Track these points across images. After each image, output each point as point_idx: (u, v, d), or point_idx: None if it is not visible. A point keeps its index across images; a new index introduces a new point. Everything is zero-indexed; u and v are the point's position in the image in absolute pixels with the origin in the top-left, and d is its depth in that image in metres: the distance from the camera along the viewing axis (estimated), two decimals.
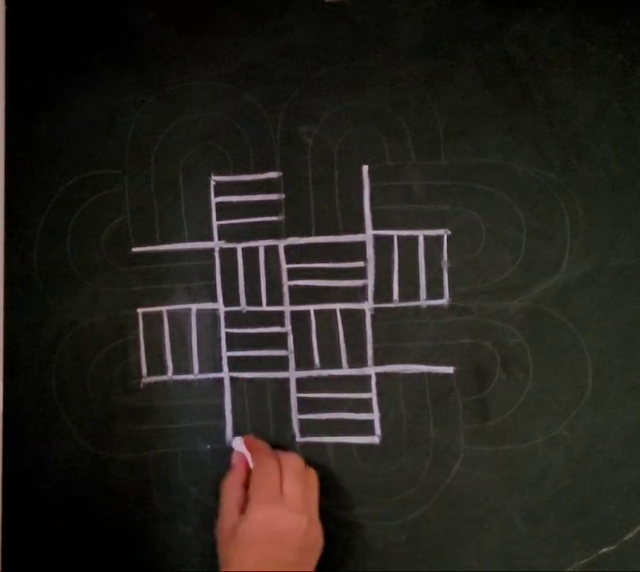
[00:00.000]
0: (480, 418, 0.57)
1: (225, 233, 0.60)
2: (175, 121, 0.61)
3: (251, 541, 0.51)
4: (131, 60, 0.62)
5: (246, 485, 0.54)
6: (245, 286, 0.60)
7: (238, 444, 0.57)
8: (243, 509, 0.52)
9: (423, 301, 0.59)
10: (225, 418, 0.59)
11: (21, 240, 0.61)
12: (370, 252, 0.59)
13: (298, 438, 0.59)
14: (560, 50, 0.59)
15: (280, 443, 0.59)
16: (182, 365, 0.60)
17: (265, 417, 0.59)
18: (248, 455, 0.56)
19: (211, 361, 0.60)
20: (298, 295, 0.60)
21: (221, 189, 0.60)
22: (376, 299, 0.59)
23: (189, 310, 0.60)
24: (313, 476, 0.56)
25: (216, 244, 0.60)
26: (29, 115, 0.62)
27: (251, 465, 0.55)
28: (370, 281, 0.59)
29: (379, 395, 0.58)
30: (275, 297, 0.60)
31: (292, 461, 0.55)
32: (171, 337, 0.60)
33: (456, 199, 0.59)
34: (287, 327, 0.59)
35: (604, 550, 0.56)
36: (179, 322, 0.60)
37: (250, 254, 0.60)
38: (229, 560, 0.51)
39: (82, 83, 0.62)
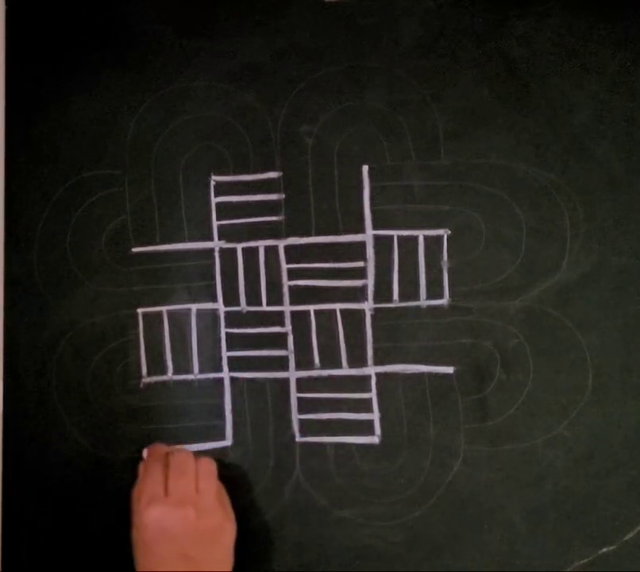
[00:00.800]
0: (480, 418, 0.57)
1: (225, 233, 0.60)
2: (175, 121, 0.61)
3: (144, 544, 0.51)
4: (131, 60, 0.62)
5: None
6: (245, 286, 0.60)
7: (145, 453, 0.58)
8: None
9: (423, 301, 0.59)
10: (225, 418, 0.59)
11: (21, 240, 0.61)
12: (370, 252, 0.59)
13: (298, 438, 0.59)
14: (560, 50, 0.59)
15: (280, 443, 0.59)
16: (182, 365, 0.60)
17: (265, 417, 0.59)
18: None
19: (211, 361, 0.60)
20: (298, 295, 0.60)
21: (221, 189, 0.60)
22: (376, 299, 0.59)
23: (189, 310, 0.60)
24: (203, 463, 0.55)
25: (216, 244, 0.60)
26: (29, 115, 0.62)
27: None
28: (370, 281, 0.59)
29: (379, 395, 0.58)
30: (275, 297, 0.60)
31: (177, 457, 0.55)
32: (171, 337, 0.60)
33: (456, 199, 0.59)
34: (287, 327, 0.59)
35: (604, 550, 0.56)
36: (179, 322, 0.60)
37: (250, 254, 0.60)
38: (137, 564, 0.52)
39: (82, 83, 0.62)
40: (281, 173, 0.60)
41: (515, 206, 0.58)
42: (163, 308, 0.60)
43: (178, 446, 0.58)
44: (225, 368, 0.60)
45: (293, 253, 0.60)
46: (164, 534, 0.51)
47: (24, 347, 0.61)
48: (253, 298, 0.60)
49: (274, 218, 0.60)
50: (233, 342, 0.60)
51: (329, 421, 0.59)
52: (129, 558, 0.59)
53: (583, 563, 0.56)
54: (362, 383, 0.59)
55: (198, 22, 0.61)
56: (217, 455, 0.59)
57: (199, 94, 0.61)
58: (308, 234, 0.60)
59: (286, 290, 0.60)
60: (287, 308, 0.60)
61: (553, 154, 0.58)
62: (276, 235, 0.60)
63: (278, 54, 0.60)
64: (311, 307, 0.59)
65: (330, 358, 0.59)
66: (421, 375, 0.58)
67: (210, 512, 0.53)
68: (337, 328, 0.59)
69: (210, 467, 0.55)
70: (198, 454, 0.57)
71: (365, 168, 0.60)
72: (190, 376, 0.60)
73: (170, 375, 0.60)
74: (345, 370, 0.59)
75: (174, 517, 0.51)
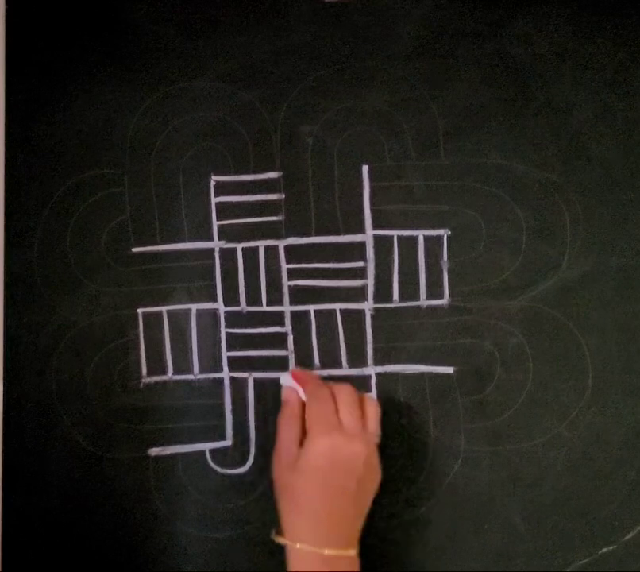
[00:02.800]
0: (480, 418, 0.57)
1: (225, 233, 0.60)
2: (175, 121, 0.61)
3: (313, 469, 0.51)
4: (131, 60, 0.62)
5: (302, 418, 0.54)
6: (245, 286, 0.60)
7: (286, 379, 0.57)
8: (301, 442, 0.53)
9: (423, 301, 0.59)
10: (226, 418, 0.59)
11: (21, 240, 0.61)
12: (370, 252, 0.59)
13: None
14: (560, 50, 0.59)
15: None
16: (182, 365, 0.60)
17: (265, 417, 0.59)
18: (299, 388, 0.55)
19: (211, 361, 0.60)
20: (298, 295, 0.60)
21: (222, 189, 0.60)
22: (376, 299, 0.59)
23: (189, 310, 0.60)
24: (371, 404, 0.55)
25: (216, 244, 0.60)
26: (29, 115, 0.62)
27: (303, 398, 0.55)
28: (370, 281, 0.59)
29: (379, 395, 0.58)
30: (275, 297, 0.60)
31: (345, 390, 0.54)
32: (171, 337, 0.60)
33: (456, 199, 0.59)
34: (287, 327, 0.59)
35: (604, 550, 0.56)
36: (179, 322, 0.60)
37: (250, 254, 0.60)
38: (291, 487, 0.52)
39: (82, 82, 0.62)
40: (281, 173, 0.60)
41: (515, 206, 0.58)
42: (164, 308, 0.60)
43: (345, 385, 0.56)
44: (225, 368, 0.60)
45: (293, 253, 0.60)
46: (338, 463, 0.51)
47: (24, 347, 0.61)
48: (253, 298, 0.60)
49: (274, 218, 0.60)
50: (233, 342, 0.60)
51: None
52: (129, 558, 0.59)
53: (583, 563, 0.56)
54: (362, 383, 0.59)
55: (198, 22, 0.61)
56: (219, 455, 0.59)
57: (199, 94, 0.61)
58: (308, 234, 0.60)
59: (286, 290, 0.60)
60: (287, 308, 0.60)
61: (553, 154, 0.58)
62: (276, 235, 0.60)
63: (278, 54, 0.61)
64: (311, 307, 0.59)
65: (330, 358, 0.59)
66: (421, 375, 0.58)
67: (374, 453, 0.53)
68: (337, 328, 0.59)
69: (377, 412, 0.54)
70: None
71: (365, 168, 0.60)
72: (190, 376, 0.60)
73: (170, 375, 0.60)
74: (345, 370, 0.59)
75: (351, 450, 0.51)
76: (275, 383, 0.59)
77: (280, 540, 0.52)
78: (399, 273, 0.59)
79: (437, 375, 0.58)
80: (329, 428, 0.52)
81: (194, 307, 0.60)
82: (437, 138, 0.59)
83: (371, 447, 0.53)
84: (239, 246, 0.60)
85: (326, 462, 0.51)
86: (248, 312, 0.60)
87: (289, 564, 0.51)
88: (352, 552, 0.51)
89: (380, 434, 0.55)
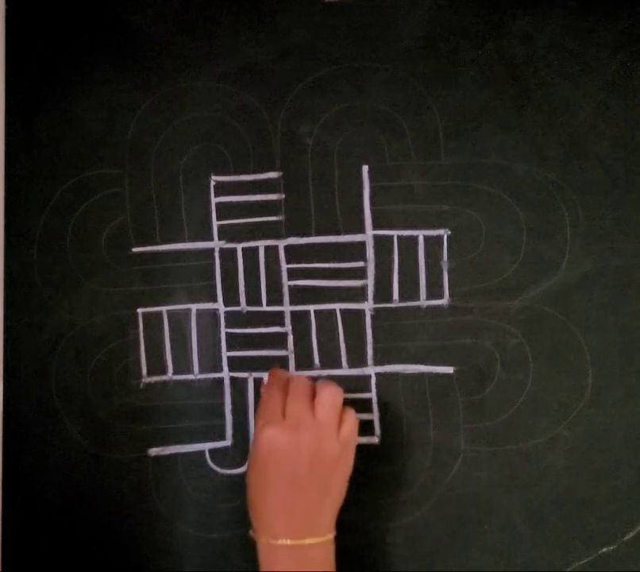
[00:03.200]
0: (480, 418, 0.57)
1: (225, 233, 0.60)
2: (175, 121, 0.61)
3: (259, 462, 0.51)
4: (131, 60, 0.62)
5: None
6: (245, 286, 0.60)
7: (265, 378, 0.58)
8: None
9: (423, 301, 0.59)
10: (226, 418, 0.59)
11: (21, 240, 0.61)
12: (370, 252, 0.59)
13: None
14: (560, 50, 0.59)
15: None
16: (182, 365, 0.60)
17: None
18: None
19: (211, 361, 0.60)
20: (298, 295, 0.60)
21: (221, 189, 0.60)
22: (376, 299, 0.59)
23: (189, 310, 0.60)
24: (323, 391, 0.53)
25: (216, 244, 0.60)
26: (29, 115, 0.62)
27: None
28: (370, 281, 0.59)
29: (379, 395, 0.58)
30: (275, 297, 0.60)
31: (296, 380, 0.54)
32: (171, 337, 0.60)
33: (456, 199, 0.59)
34: (287, 327, 0.59)
35: (604, 550, 0.56)
36: (179, 322, 0.60)
37: (250, 254, 0.60)
38: (247, 483, 0.52)
39: (82, 82, 0.62)
40: (281, 173, 0.60)
41: (515, 206, 0.58)
42: (164, 308, 0.60)
43: (299, 374, 0.57)
44: (225, 368, 0.60)
45: (293, 253, 0.60)
46: (275, 456, 0.51)
47: (24, 347, 0.61)
48: (253, 298, 0.60)
49: (274, 218, 0.60)
50: (233, 342, 0.60)
51: None
52: (129, 558, 0.59)
53: (583, 563, 0.56)
54: (362, 383, 0.59)
55: (198, 22, 0.61)
56: (219, 455, 0.59)
57: (199, 94, 0.61)
58: (308, 234, 0.60)
59: (286, 290, 0.60)
60: (287, 308, 0.60)
61: (553, 154, 0.58)
62: (276, 235, 0.60)
63: (278, 54, 0.60)
64: (311, 307, 0.59)
65: (330, 358, 0.59)
66: (421, 375, 0.58)
67: (326, 441, 0.52)
68: (337, 328, 0.59)
69: (330, 397, 0.53)
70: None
71: (365, 168, 0.60)
72: (190, 376, 0.60)
73: (170, 375, 0.60)
74: (345, 370, 0.59)
75: (287, 440, 0.51)
76: None
77: (252, 535, 0.52)
78: (398, 273, 0.59)
79: (437, 375, 0.58)
80: (269, 419, 0.52)
81: (194, 307, 0.60)
82: (437, 138, 0.59)
83: (322, 433, 0.51)
84: (239, 246, 0.60)
85: (269, 454, 0.51)
86: (248, 312, 0.60)
87: (259, 561, 0.51)
88: (318, 539, 0.51)
89: (351, 426, 0.53)
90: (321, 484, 0.51)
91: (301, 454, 0.51)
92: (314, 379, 0.57)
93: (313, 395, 0.53)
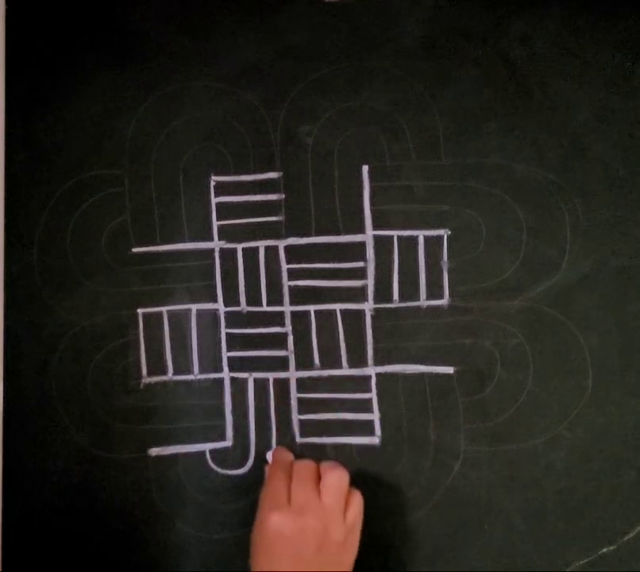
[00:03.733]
0: (480, 418, 0.57)
1: (225, 234, 0.60)
2: (175, 122, 0.61)
3: (264, 547, 0.51)
4: (130, 60, 0.62)
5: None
6: (245, 286, 0.60)
7: (269, 457, 0.58)
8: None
9: (423, 301, 0.59)
10: (226, 418, 0.59)
11: (21, 240, 0.61)
12: (370, 252, 0.59)
13: (298, 439, 0.59)
14: (560, 50, 0.59)
15: (281, 444, 0.59)
16: (182, 366, 0.60)
17: (265, 418, 0.59)
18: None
19: (211, 362, 0.60)
20: (299, 295, 0.60)
21: (222, 189, 0.60)
22: (376, 300, 0.59)
23: (189, 310, 0.60)
24: (329, 475, 0.53)
25: (216, 244, 0.60)
26: (29, 115, 0.62)
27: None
28: (370, 281, 0.59)
29: (379, 395, 0.58)
30: (275, 297, 0.60)
31: (301, 465, 0.55)
32: (171, 337, 0.60)
33: (456, 199, 0.59)
34: (287, 327, 0.59)
35: (604, 550, 0.56)
36: (179, 322, 0.60)
37: (250, 254, 0.60)
38: (254, 563, 0.52)
39: (82, 83, 0.62)
40: (281, 173, 0.60)
41: (515, 206, 0.58)
42: (164, 308, 0.60)
43: (305, 460, 0.56)
44: (226, 368, 0.60)
45: (293, 254, 0.60)
46: (282, 541, 0.50)
47: (24, 347, 0.61)
48: (253, 298, 0.60)
49: (274, 219, 0.60)
50: (233, 342, 0.60)
51: (330, 422, 0.59)
52: (129, 558, 0.59)
53: (583, 563, 0.56)
54: (362, 383, 0.59)
55: (198, 22, 0.61)
56: (219, 455, 0.59)
57: (199, 94, 0.61)
58: (308, 234, 0.60)
59: (286, 290, 0.60)
60: (287, 308, 0.60)
61: (553, 154, 0.58)
62: (276, 235, 0.60)
63: (278, 54, 0.60)
64: (311, 308, 0.59)
65: (330, 358, 0.59)
66: (421, 375, 0.58)
67: (332, 526, 0.51)
68: (337, 328, 0.59)
69: (336, 480, 0.53)
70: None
71: (365, 168, 0.60)
72: (190, 377, 0.60)
73: (170, 375, 0.60)
74: (345, 370, 0.59)
75: (293, 525, 0.51)
76: (276, 382, 0.59)
77: None
78: (399, 273, 0.59)
79: (437, 375, 0.58)
80: (275, 505, 0.52)
81: (194, 308, 0.60)
82: (437, 138, 0.59)
83: (328, 518, 0.51)
84: (239, 246, 0.60)
85: (275, 539, 0.51)
86: (249, 312, 0.60)
87: None
88: None
89: (356, 513, 0.53)
90: (325, 566, 0.51)
91: (307, 538, 0.50)
92: (318, 461, 0.56)
93: (318, 478, 0.54)
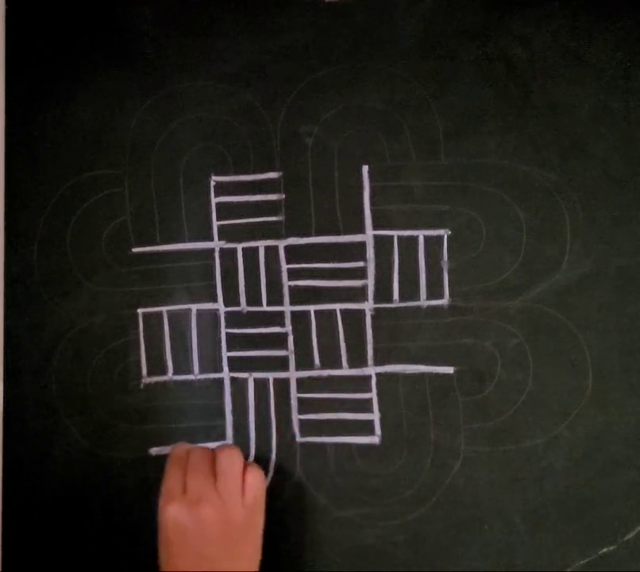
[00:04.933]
0: (481, 418, 0.57)
1: (225, 234, 0.60)
2: (175, 122, 0.61)
3: (164, 543, 0.51)
4: (131, 60, 0.62)
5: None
6: (245, 286, 0.60)
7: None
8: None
9: (423, 301, 0.59)
10: (226, 418, 0.59)
11: (21, 240, 0.61)
12: (370, 252, 0.59)
13: (299, 439, 0.59)
14: (560, 50, 0.59)
15: (281, 443, 0.59)
16: (182, 366, 0.60)
17: (266, 417, 0.59)
18: None
19: (211, 362, 0.60)
20: (299, 295, 0.60)
21: (222, 189, 0.60)
22: (376, 300, 0.59)
23: (189, 310, 0.60)
24: (220, 462, 0.53)
25: (216, 244, 0.60)
26: (29, 115, 0.62)
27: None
28: (370, 281, 0.59)
29: (379, 395, 0.58)
30: (275, 297, 0.60)
31: (194, 453, 0.54)
32: (171, 337, 0.60)
33: (456, 199, 0.59)
34: (288, 327, 0.59)
35: (604, 550, 0.56)
36: (179, 322, 0.60)
37: (250, 254, 0.60)
38: (161, 560, 0.52)
39: (82, 82, 0.62)
40: (281, 173, 0.60)
41: (515, 206, 0.58)
42: (164, 308, 0.60)
43: (200, 445, 0.56)
44: (226, 368, 0.60)
45: (293, 253, 0.60)
46: (181, 532, 0.50)
47: (24, 347, 0.61)
48: (253, 298, 0.60)
49: (274, 218, 0.60)
50: (234, 342, 0.60)
51: (330, 421, 0.59)
52: (129, 558, 0.59)
53: (583, 563, 0.56)
54: (362, 383, 0.59)
55: (198, 22, 0.61)
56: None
57: (199, 95, 0.61)
58: (308, 234, 0.60)
59: (286, 290, 0.60)
60: (287, 308, 0.60)
61: (553, 154, 0.58)
62: (276, 235, 0.60)
63: (278, 54, 0.60)
64: (311, 308, 0.59)
65: (330, 358, 0.59)
66: (421, 375, 0.58)
67: (230, 510, 0.51)
68: (337, 328, 0.59)
69: (228, 462, 0.53)
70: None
71: (365, 168, 0.60)
72: (190, 377, 0.60)
73: (170, 375, 0.60)
74: (346, 370, 0.59)
75: (189, 515, 0.50)
76: (276, 382, 0.59)
77: None
78: (399, 273, 0.59)
79: (438, 375, 0.58)
80: (170, 497, 0.51)
81: (194, 308, 0.60)
82: (437, 138, 0.59)
83: (225, 503, 0.51)
84: (239, 246, 0.60)
85: (174, 531, 0.50)
86: (249, 312, 0.60)
87: None
88: None
89: (256, 482, 0.53)
90: (231, 551, 0.51)
91: (206, 527, 0.50)
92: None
93: (213, 464, 0.53)
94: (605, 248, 0.58)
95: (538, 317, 0.58)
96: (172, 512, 0.51)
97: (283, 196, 0.60)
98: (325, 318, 0.59)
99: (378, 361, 0.59)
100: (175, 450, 0.55)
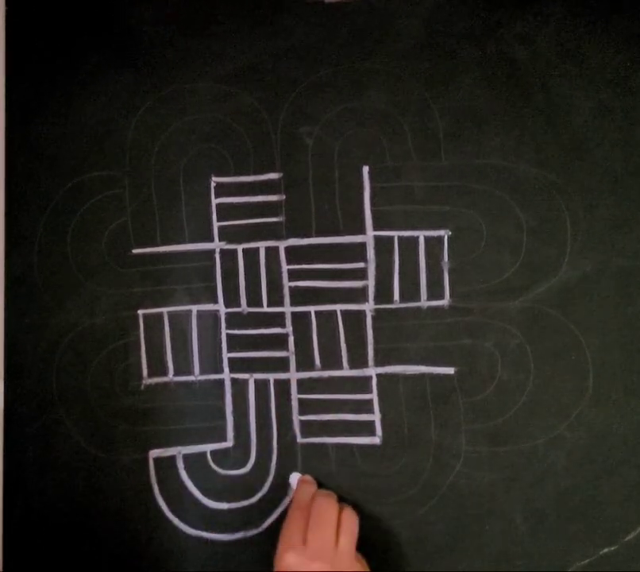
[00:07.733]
0: (481, 418, 0.58)
1: (225, 235, 0.60)
2: (176, 123, 0.61)
3: None
4: (131, 62, 0.62)
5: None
6: (246, 287, 0.60)
7: (292, 480, 0.58)
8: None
9: (424, 302, 0.59)
10: (226, 419, 0.60)
11: (21, 241, 0.61)
12: (370, 253, 0.59)
13: (299, 439, 0.59)
14: (560, 50, 0.59)
15: (282, 444, 0.59)
16: (183, 367, 0.60)
17: (266, 418, 0.59)
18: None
19: (212, 363, 0.60)
20: (299, 296, 0.60)
21: (222, 190, 0.60)
22: (377, 300, 0.59)
23: (190, 311, 0.60)
24: (346, 520, 0.54)
25: (216, 245, 0.60)
26: (30, 116, 0.62)
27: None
28: (371, 282, 0.59)
29: (380, 396, 0.58)
30: (275, 298, 0.60)
31: (322, 506, 0.54)
32: (171, 338, 0.60)
33: (457, 199, 0.59)
34: (288, 328, 0.59)
35: (605, 550, 0.56)
36: (179, 323, 0.60)
37: (251, 255, 0.60)
38: None
39: (83, 83, 0.62)
40: (281, 174, 0.60)
41: (515, 206, 0.58)
42: (164, 309, 0.60)
43: (324, 491, 0.57)
44: (226, 369, 0.60)
45: (293, 254, 0.60)
46: None
47: (24, 348, 0.61)
48: (254, 299, 0.60)
49: (274, 219, 0.60)
50: (234, 343, 0.60)
51: (331, 422, 0.59)
52: (130, 558, 0.59)
53: (584, 564, 0.56)
54: (363, 384, 0.59)
55: (198, 23, 0.61)
56: (220, 456, 0.59)
57: (200, 96, 0.61)
58: (308, 235, 0.60)
59: (286, 291, 0.60)
60: (287, 309, 0.60)
61: (553, 154, 0.58)
62: (277, 236, 0.60)
63: (278, 55, 0.60)
64: (312, 308, 0.59)
65: (331, 359, 0.59)
66: (422, 376, 0.58)
67: (345, 566, 0.52)
68: (337, 329, 0.59)
69: (352, 521, 0.54)
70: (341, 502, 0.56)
71: (365, 169, 0.60)
72: (191, 378, 0.60)
73: (171, 376, 0.60)
74: (346, 371, 0.59)
75: (303, 568, 0.51)
76: (277, 383, 0.59)
77: None
78: (399, 274, 0.59)
79: (438, 376, 0.58)
80: (291, 545, 0.52)
81: (194, 309, 0.60)
82: (437, 139, 0.59)
83: (337, 566, 0.52)
84: (239, 247, 0.60)
85: None
86: (249, 313, 0.60)
87: None
88: None
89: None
90: None
91: None
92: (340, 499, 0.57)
93: (336, 517, 0.54)
94: (605, 248, 0.58)
95: (539, 317, 0.58)
96: (289, 562, 0.51)
97: (284, 197, 0.60)
98: (326, 318, 0.59)
99: (378, 362, 0.59)
100: (299, 495, 0.56)
